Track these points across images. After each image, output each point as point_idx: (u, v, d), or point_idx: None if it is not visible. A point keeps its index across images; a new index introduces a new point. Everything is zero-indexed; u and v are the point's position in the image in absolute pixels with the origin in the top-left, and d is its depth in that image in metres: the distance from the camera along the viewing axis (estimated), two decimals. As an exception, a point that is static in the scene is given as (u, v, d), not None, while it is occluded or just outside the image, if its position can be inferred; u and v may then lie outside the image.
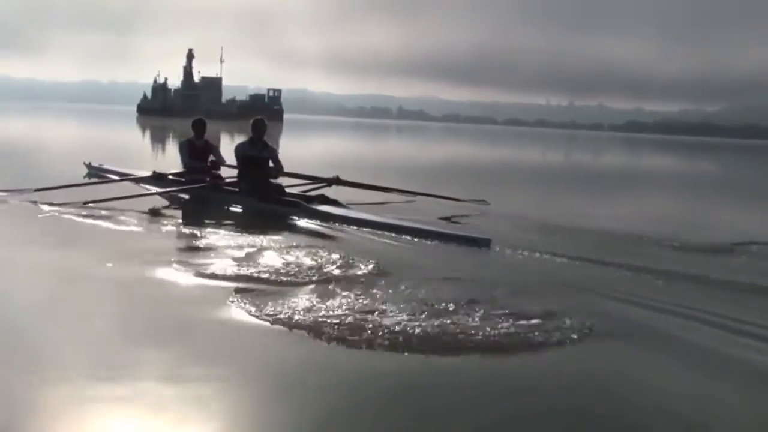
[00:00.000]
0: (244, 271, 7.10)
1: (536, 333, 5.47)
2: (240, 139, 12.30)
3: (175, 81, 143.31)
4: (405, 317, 5.65)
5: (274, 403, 4.32)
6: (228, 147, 12.69)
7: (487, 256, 8.64)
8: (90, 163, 15.42)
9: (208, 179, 12.29)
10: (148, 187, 12.64)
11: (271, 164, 11.99)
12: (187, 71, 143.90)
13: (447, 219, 11.62)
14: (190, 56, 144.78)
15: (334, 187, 12.78)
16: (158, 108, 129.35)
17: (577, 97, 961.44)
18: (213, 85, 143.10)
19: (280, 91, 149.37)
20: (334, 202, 11.24)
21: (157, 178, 12.67)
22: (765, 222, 15.77)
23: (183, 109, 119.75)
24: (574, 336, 5.47)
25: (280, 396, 4.40)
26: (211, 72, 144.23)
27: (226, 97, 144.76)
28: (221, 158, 12.81)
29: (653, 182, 29.58)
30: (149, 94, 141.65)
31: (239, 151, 11.91)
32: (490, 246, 8.92)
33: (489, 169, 33.28)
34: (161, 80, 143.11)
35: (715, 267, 8.42)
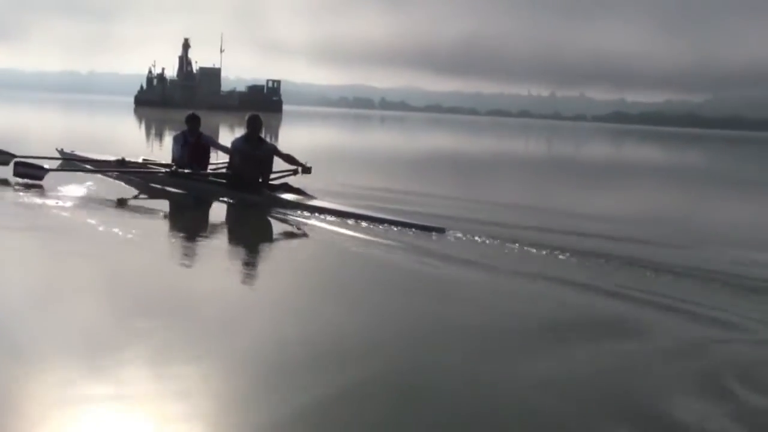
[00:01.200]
0: (207, 258, 7.58)
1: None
2: (240, 133, 12.20)
3: (165, 71, 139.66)
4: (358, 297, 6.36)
5: (260, 390, 4.37)
6: (227, 141, 12.69)
7: (441, 241, 8.92)
8: (62, 149, 15.50)
9: (170, 165, 12.59)
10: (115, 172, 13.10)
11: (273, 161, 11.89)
12: (183, 61, 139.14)
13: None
14: (186, 46, 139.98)
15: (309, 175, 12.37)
16: (157, 99, 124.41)
17: (559, 88, 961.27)
18: (212, 75, 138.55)
19: (279, 82, 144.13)
20: (298, 191, 11.39)
21: (123, 164, 13.10)
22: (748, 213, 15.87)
23: (182, 100, 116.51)
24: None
25: (261, 381, 4.49)
26: (201, 62, 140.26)
27: (224, 88, 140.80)
28: (221, 147, 13.10)
29: (639, 174, 29.49)
30: (144, 85, 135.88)
31: (232, 146, 12.00)
32: (444, 233, 9.28)
33: (473, 160, 32.92)
34: (157, 71, 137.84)
35: (655, 250, 8.85)
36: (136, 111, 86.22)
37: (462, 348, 5.22)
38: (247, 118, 12.01)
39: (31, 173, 11.83)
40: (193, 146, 12.76)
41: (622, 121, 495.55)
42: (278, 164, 11.97)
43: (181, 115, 14.29)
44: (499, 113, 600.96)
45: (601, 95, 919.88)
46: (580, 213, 12.31)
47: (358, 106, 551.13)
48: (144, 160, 13.62)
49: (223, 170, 12.22)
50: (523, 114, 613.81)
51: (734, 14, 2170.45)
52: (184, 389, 4.24)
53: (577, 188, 20.22)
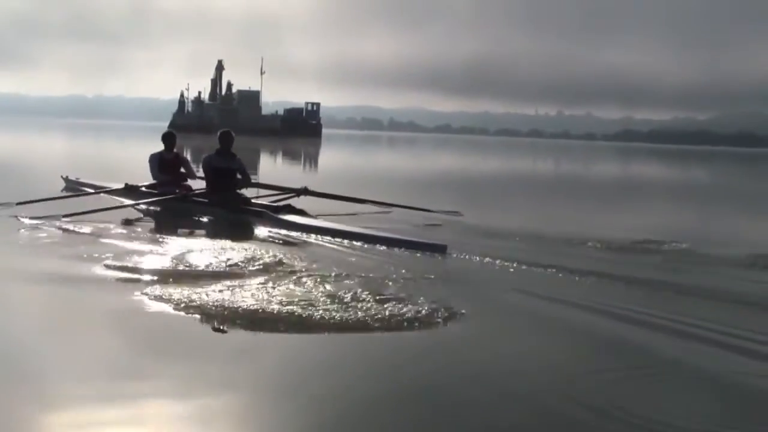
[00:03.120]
0: (218, 282, 7.36)
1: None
2: (289, 163, 12.97)
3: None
4: (355, 312, 6.36)
5: (276, 409, 4.56)
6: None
7: (442, 261, 9.10)
8: (67, 176, 15.76)
9: (177, 191, 12.78)
10: (121, 199, 12.99)
11: (239, 176, 12.48)
12: (217, 84, 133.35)
13: (419, 227, 12.04)
14: (220, 68, 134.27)
15: (305, 198, 13.05)
16: (195, 124, 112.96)
17: (566, 107, 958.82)
18: (251, 98, 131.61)
19: (318, 104, 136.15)
20: (301, 212, 11.64)
21: (130, 190, 13.05)
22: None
23: (221, 125, 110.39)
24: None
25: (272, 401, 4.68)
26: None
27: (264, 111, 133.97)
28: (192, 171, 13.55)
29: (654, 192, 29.38)
30: (184, 109, 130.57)
31: (207, 163, 12.38)
32: (446, 252, 9.35)
33: (486, 180, 33.31)
34: (189, 94, 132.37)
35: (666, 270, 8.98)
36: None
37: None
38: (219, 134, 12.59)
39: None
40: (170, 164, 13.13)
41: (632, 139, 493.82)
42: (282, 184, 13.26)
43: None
44: (508, 133, 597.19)
45: (608, 114, 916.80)
46: (602, 234, 11.81)
47: (366, 127, 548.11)
48: (148, 184, 13.32)
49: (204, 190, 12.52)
50: (533, 133, 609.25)
51: (741, 31, 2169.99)
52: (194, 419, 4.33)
53: (604, 208, 20.58)
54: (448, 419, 4.37)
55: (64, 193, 13.85)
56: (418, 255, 9.32)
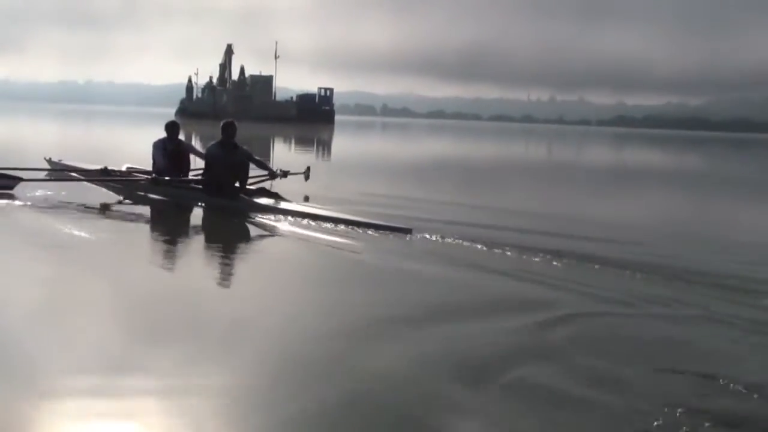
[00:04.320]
0: (189, 266, 7.97)
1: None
2: (301, 151, 14.10)
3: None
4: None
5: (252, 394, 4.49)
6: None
7: (408, 241, 9.30)
8: (50, 158, 15.77)
9: (151, 173, 12.67)
10: (97, 181, 13.08)
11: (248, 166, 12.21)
12: (226, 69, 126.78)
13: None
14: (229, 52, 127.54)
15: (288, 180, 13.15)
16: (208, 111, 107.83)
17: (558, 92, 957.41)
18: (264, 83, 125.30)
19: (331, 90, 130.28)
20: (275, 195, 11.73)
21: (107, 174, 13.10)
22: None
23: (235, 111, 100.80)
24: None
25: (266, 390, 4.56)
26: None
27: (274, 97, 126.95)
28: (199, 153, 13.35)
29: (652, 178, 29.15)
30: (192, 95, 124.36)
31: (208, 152, 12.15)
32: (411, 233, 9.62)
33: (489, 167, 32.45)
34: (198, 79, 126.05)
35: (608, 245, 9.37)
36: (182, 125, 78.49)
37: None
38: (221, 124, 12.26)
39: (2, 183, 11.89)
40: (173, 153, 12.96)
41: (626, 124, 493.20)
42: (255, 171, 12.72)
43: (247, 129, 13.30)
44: (501, 118, 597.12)
45: (601, 99, 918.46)
46: (602, 220, 12.67)
47: (360, 113, 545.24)
48: (128, 167, 13.65)
49: (200, 177, 12.39)
50: (527, 119, 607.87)
51: (735, 16, 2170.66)
52: (182, 400, 4.31)
53: (605, 194, 20.39)
54: (420, 400, 4.40)
55: (44, 175, 13.92)
56: (386, 236, 9.58)
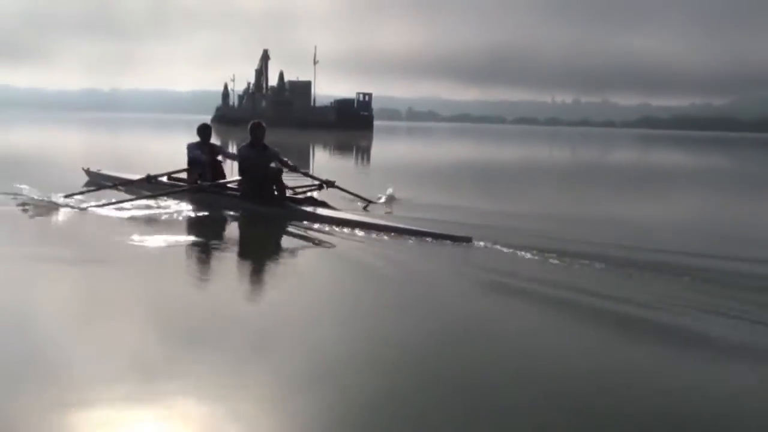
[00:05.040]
0: (240, 275, 7.87)
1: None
2: (342, 160, 14.34)
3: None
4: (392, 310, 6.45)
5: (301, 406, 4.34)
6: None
7: (467, 252, 8.92)
8: (88, 168, 15.80)
9: (205, 182, 12.59)
10: (143, 191, 12.82)
11: (273, 165, 11.99)
12: (262, 75, 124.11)
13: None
14: (265, 57, 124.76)
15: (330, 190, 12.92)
16: (247, 118, 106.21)
17: (582, 94, 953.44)
18: (303, 89, 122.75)
19: (370, 95, 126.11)
20: (323, 204, 11.63)
21: (150, 182, 12.99)
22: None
23: (274, 118, 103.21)
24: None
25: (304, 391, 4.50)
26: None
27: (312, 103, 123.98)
28: (229, 153, 13.54)
29: (685, 180, 28.40)
30: (231, 101, 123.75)
31: (240, 153, 12.06)
32: (471, 242, 9.23)
33: (528, 171, 31.65)
34: (234, 85, 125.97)
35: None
36: (219, 132, 76.11)
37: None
38: (249, 126, 12.14)
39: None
40: (207, 155, 13.00)
41: (652, 125, 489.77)
42: (301, 180, 13.42)
43: (288, 136, 14.85)
44: (526, 121, 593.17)
45: (625, 100, 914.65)
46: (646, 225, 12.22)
47: (384, 117, 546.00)
48: (168, 175, 13.47)
49: (238, 181, 12.09)
50: (551, 121, 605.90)
51: (761, 14, 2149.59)
52: (222, 409, 4.22)
53: (633, 197, 19.48)
54: (479, 407, 4.32)
55: (86, 188, 13.56)
56: (444, 246, 9.20)
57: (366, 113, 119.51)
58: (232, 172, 13.27)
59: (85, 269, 7.70)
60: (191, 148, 13.06)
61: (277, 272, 7.97)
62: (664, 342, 5.56)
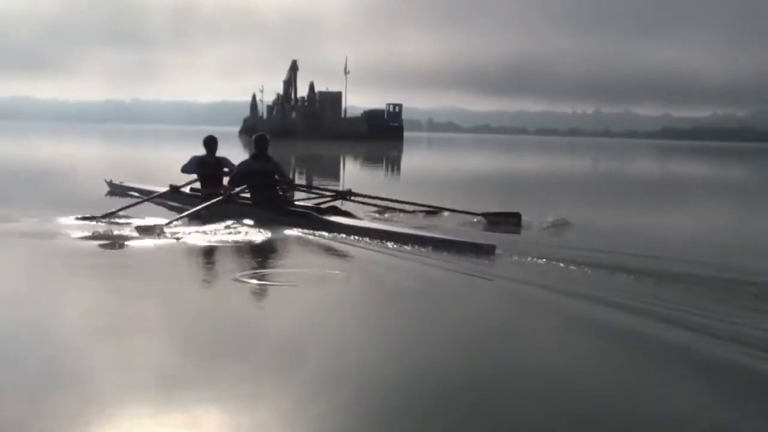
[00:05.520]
0: (267, 284, 7.64)
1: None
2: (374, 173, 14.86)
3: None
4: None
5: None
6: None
7: (491, 261, 8.84)
8: (111, 180, 15.98)
9: (221, 192, 12.33)
10: (171, 203, 13.09)
11: (277, 177, 12.34)
12: (290, 86, 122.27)
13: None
14: (294, 68, 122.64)
15: (347, 202, 12.94)
16: (277, 129, 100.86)
17: (604, 105, 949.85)
18: (333, 100, 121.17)
19: (400, 105, 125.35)
20: (346, 214, 11.59)
21: (175, 192, 12.99)
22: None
23: (305, 130, 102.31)
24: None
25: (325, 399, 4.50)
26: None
27: (342, 114, 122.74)
28: (235, 167, 13.00)
29: (712, 192, 27.63)
30: (262, 112, 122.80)
31: (244, 167, 12.30)
32: (494, 252, 9.09)
33: (556, 182, 31.43)
34: (263, 96, 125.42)
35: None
36: (248, 144, 74.47)
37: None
38: (254, 138, 12.49)
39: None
40: (213, 167, 13.05)
41: (673, 136, 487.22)
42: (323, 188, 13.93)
43: (305, 148, 15.00)
44: (547, 132, 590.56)
45: (647, 111, 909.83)
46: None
47: (405, 128, 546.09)
48: (188, 184, 13.29)
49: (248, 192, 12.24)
50: (573, 132, 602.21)
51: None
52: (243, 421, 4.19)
53: (660, 208, 19.01)
54: (497, 418, 4.31)
55: (115, 207, 12.84)
56: (466, 256, 9.04)
57: (396, 124, 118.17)
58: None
59: (97, 278, 7.80)
60: (195, 161, 13.16)
61: (299, 283, 7.81)
62: (693, 363, 5.30)
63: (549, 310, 6.74)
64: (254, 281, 7.56)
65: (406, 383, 4.79)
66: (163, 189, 13.20)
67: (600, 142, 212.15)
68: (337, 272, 8.16)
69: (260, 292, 7.35)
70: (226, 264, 8.78)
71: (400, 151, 65.07)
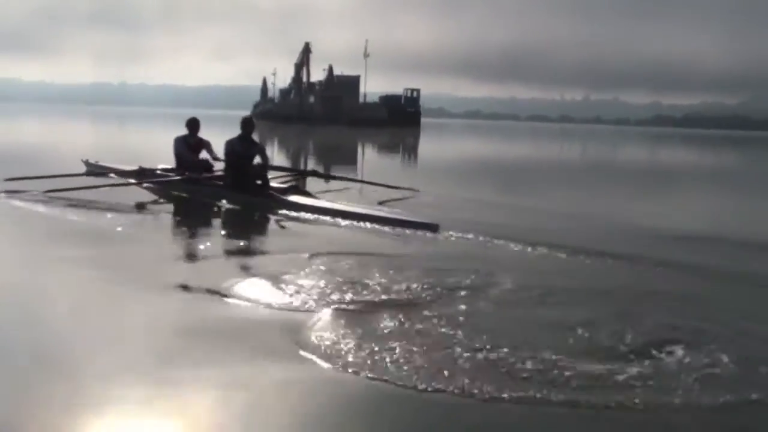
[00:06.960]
0: (227, 266, 7.73)
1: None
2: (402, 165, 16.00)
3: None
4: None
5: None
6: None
7: (435, 238, 9.47)
8: (87, 160, 16.30)
9: (190, 173, 12.81)
10: (132, 180, 13.27)
11: (258, 160, 12.50)
12: (302, 69, 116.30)
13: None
14: (307, 51, 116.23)
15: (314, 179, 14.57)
16: (295, 114, 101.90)
17: (593, 92, 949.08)
18: (351, 85, 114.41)
19: (418, 90, 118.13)
20: (306, 193, 12.34)
21: (142, 174, 13.38)
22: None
23: (325, 115, 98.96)
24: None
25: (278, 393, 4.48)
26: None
27: (360, 99, 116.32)
28: (214, 153, 13.49)
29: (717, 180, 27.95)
30: (273, 97, 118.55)
31: (229, 146, 12.37)
32: (438, 230, 9.74)
33: (548, 168, 31.75)
34: (276, 79, 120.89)
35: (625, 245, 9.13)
36: (267, 128, 70.28)
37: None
38: (241, 120, 12.77)
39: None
40: (195, 149, 13.45)
41: (664, 124, 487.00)
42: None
43: (325, 134, 16.58)
44: (538, 118, 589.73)
45: (636, 99, 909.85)
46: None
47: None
48: (162, 168, 13.76)
49: (224, 173, 12.55)
50: (564, 119, 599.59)
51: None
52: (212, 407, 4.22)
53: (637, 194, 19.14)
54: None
55: (71, 173, 13.89)
56: (412, 233, 9.72)
57: (413, 109, 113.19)
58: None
59: (71, 259, 7.67)
60: (179, 142, 13.51)
61: (255, 259, 8.14)
62: (652, 349, 5.12)
63: (491, 285, 6.84)
64: (207, 255, 8.16)
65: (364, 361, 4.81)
66: (132, 168, 13.82)
67: (592, 129, 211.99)
68: (287, 247, 8.59)
69: (213, 267, 7.59)
70: (177, 238, 9.48)
71: (416, 139, 62.29)
